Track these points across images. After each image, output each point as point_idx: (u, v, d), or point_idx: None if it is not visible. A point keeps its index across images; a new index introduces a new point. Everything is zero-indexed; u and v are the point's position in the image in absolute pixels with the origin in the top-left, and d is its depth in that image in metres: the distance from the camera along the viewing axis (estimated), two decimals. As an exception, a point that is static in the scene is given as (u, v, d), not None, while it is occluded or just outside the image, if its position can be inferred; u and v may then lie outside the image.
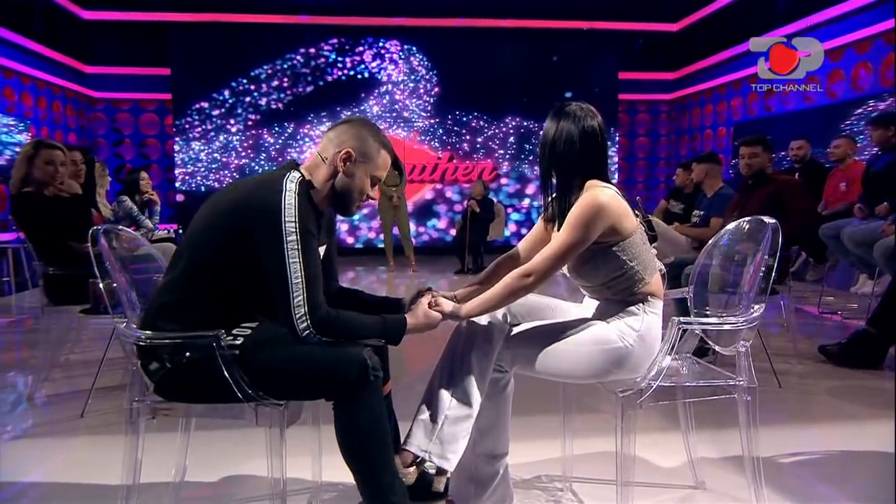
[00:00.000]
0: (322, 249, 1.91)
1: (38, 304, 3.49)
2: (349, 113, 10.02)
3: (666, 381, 1.84)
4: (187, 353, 1.64)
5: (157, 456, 2.13)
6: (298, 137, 10.09)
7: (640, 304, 1.85)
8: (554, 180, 1.92)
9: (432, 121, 10.22)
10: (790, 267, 3.85)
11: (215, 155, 10.04)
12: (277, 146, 10.03)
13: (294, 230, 1.63)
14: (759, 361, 3.54)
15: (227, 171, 10.01)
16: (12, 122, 8.05)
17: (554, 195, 1.96)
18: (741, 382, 1.86)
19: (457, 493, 1.98)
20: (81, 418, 2.88)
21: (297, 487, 2.16)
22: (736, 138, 8.66)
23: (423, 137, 10.22)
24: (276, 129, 10.03)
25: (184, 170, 10.06)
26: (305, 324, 1.63)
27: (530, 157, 10.27)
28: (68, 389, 3.36)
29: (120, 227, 2.05)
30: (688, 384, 1.89)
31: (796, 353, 3.82)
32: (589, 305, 1.99)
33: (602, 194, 1.81)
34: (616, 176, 10.71)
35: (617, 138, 10.71)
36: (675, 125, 11.20)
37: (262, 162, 10.03)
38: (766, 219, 1.92)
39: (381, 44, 10.13)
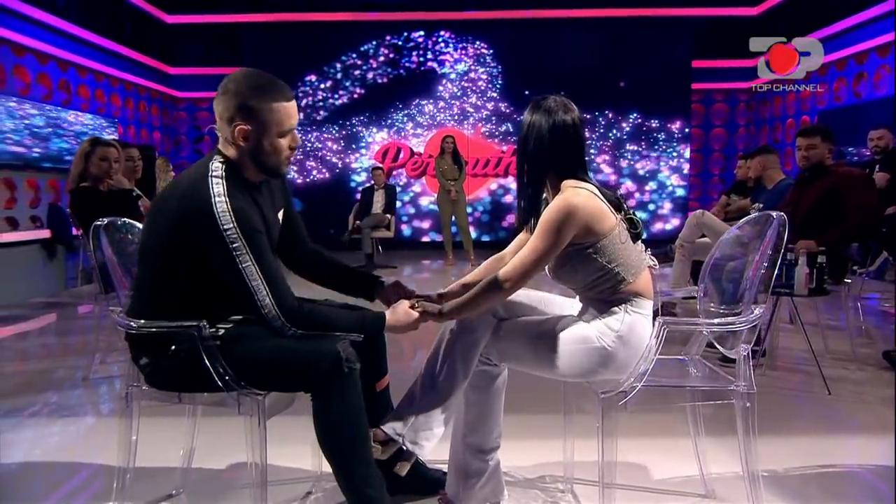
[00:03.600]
0: (280, 215, 1.88)
1: (93, 291, 3.73)
2: (425, 104, 10.16)
3: (656, 383, 1.75)
4: (172, 345, 1.71)
5: (166, 440, 2.25)
6: (367, 132, 10.27)
7: (623, 305, 1.77)
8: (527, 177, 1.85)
9: (496, 114, 10.13)
10: (851, 265, 3.56)
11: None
12: (343, 141, 10.26)
13: (236, 234, 1.60)
14: (811, 366, 3.35)
15: (295, 166, 10.32)
16: (103, 123, 8.62)
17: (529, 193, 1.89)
18: (739, 388, 1.75)
19: (449, 488, 1.98)
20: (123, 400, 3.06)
21: (299, 476, 2.21)
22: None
23: (486, 131, 10.16)
24: (347, 123, 10.25)
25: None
26: (277, 318, 1.66)
27: (593, 151, 10.01)
28: (124, 373, 3.57)
29: (130, 221, 2.14)
30: (680, 387, 1.80)
31: (856, 359, 3.55)
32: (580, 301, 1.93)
33: (575, 196, 1.74)
34: (687, 169, 10.27)
35: (689, 130, 10.25)
36: (755, 115, 10.60)
37: (329, 157, 10.28)
38: (774, 213, 1.80)
39: (446, 38, 10.14)
